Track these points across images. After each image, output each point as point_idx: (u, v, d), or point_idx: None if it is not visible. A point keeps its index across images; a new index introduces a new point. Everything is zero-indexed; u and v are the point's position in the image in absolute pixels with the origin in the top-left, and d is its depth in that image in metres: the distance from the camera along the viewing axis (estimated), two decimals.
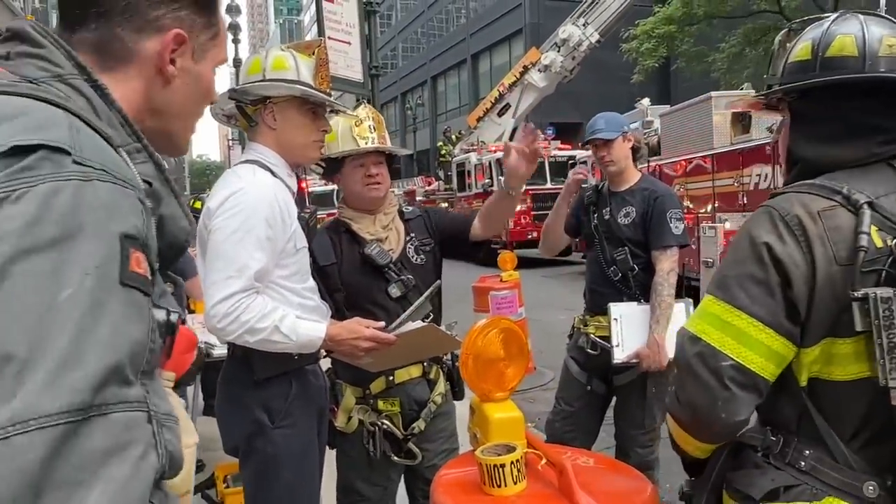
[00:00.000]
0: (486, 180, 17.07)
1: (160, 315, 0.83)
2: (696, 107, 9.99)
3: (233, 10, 18.39)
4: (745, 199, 8.68)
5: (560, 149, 17.59)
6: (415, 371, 2.38)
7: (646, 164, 11.34)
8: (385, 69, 56.44)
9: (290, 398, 2.00)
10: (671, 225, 2.93)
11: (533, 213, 16.15)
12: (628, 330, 2.91)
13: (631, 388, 3.02)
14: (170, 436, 0.74)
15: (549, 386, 6.78)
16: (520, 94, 19.17)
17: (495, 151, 17.24)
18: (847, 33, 1.34)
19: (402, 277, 2.40)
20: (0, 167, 0.66)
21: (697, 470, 1.43)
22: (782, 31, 1.50)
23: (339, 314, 2.29)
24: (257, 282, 1.88)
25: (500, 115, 19.69)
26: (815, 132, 1.38)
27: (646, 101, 11.76)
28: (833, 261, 1.22)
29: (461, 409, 2.43)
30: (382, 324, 2.07)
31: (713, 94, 9.51)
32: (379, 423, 2.35)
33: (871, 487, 1.21)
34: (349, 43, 6.09)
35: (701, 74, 19.02)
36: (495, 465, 1.50)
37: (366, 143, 2.40)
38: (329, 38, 5.83)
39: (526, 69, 19.02)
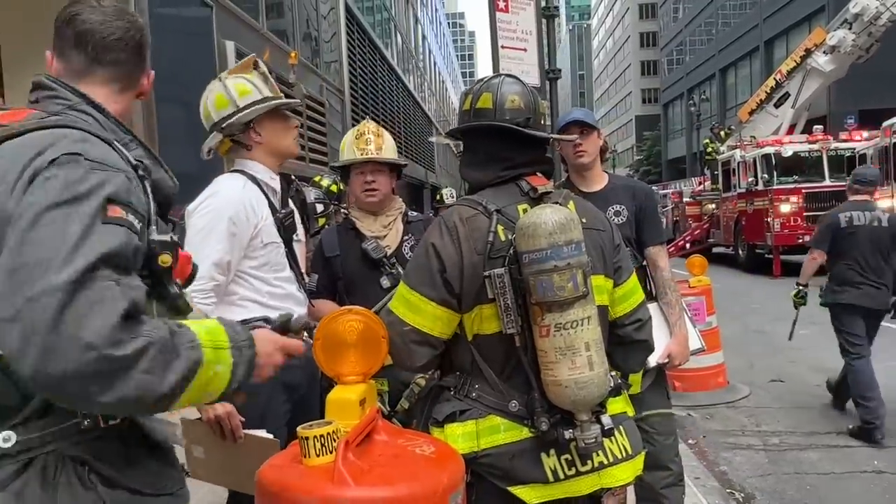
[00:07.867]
0: (751, 179, 15.50)
1: (163, 237, 1.29)
2: None
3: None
4: None
5: (848, 139, 15.27)
6: None
7: None
8: (670, 66, 54.17)
9: None
10: (662, 220, 2.83)
11: (805, 213, 14.37)
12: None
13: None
14: (139, 294, 1.15)
15: (738, 404, 6.12)
16: (801, 81, 17.03)
17: (762, 146, 15.61)
18: (488, 91, 1.86)
19: (394, 271, 2.74)
20: (54, 168, 1.17)
21: None
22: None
23: (339, 299, 2.70)
24: (220, 272, 2.22)
25: (777, 105, 17.71)
26: (471, 160, 1.94)
27: None
28: (474, 252, 1.74)
29: None
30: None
31: None
32: None
33: (513, 404, 1.75)
34: (525, 50, 6.25)
35: None
36: (302, 437, 1.65)
37: (362, 155, 2.81)
38: (502, 46, 6.05)
39: (808, 52, 16.86)
